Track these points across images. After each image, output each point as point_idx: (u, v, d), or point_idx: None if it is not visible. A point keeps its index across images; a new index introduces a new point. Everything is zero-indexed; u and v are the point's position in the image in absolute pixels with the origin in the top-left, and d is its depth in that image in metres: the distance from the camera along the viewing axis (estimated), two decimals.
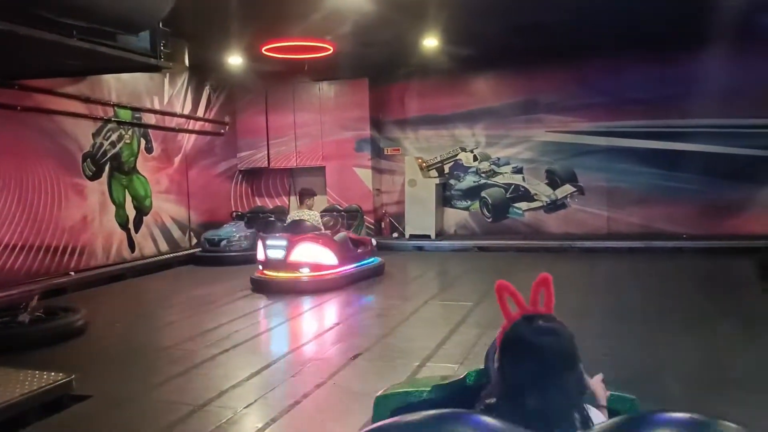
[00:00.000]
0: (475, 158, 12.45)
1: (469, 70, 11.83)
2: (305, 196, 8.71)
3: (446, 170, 12.68)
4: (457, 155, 12.56)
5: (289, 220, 8.67)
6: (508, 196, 12.23)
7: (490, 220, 12.38)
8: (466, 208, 12.58)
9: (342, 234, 8.66)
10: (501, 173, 12.29)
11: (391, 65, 11.97)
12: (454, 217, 12.62)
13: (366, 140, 12.72)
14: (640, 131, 11.13)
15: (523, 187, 12.13)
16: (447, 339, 5.67)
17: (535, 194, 12.06)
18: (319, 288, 7.89)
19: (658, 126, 11.00)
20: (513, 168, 12.19)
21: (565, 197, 11.80)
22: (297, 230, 8.27)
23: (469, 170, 12.50)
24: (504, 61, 11.44)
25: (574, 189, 11.72)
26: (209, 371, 4.98)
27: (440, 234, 12.25)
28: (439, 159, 12.67)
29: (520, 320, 1.58)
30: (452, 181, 12.65)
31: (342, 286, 8.07)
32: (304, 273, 8.03)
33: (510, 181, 12.23)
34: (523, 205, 12.15)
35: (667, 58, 10.68)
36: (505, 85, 12.06)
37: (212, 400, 4.28)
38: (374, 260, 9.05)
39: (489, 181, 12.35)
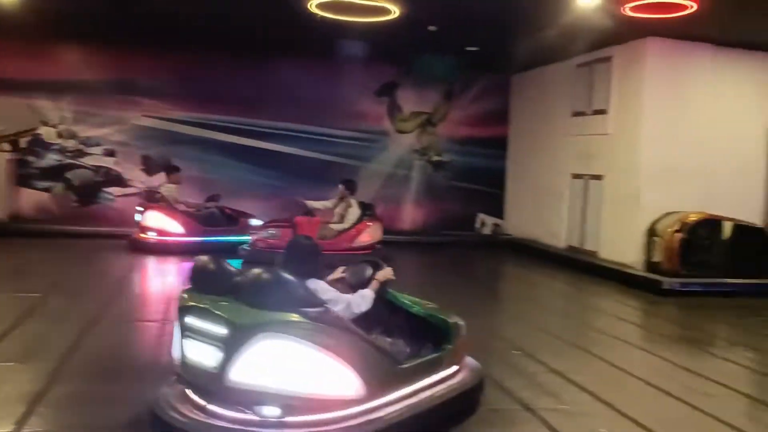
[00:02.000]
0: (59, 135, 11.18)
1: (55, 33, 10.50)
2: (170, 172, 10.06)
3: (22, 144, 11.04)
4: (36, 129, 11.06)
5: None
6: (97, 179, 11.37)
7: (76, 204, 11.29)
8: (47, 190, 11.20)
9: (211, 210, 9.85)
10: (90, 154, 11.35)
11: None
12: (33, 198, 11.10)
13: None
14: (233, 127, 11.76)
15: (115, 171, 11.46)
16: (5, 335, 4.96)
17: (129, 180, 11.53)
18: (165, 251, 9.09)
19: (248, 124, 11.81)
20: (104, 150, 11.40)
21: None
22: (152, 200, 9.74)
23: (52, 147, 11.17)
24: (99, 32, 10.54)
25: None
26: None
27: (15, 217, 10.63)
28: (12, 131, 10.93)
29: (296, 236, 3.68)
30: (30, 158, 11.10)
31: (187, 253, 8.34)
32: (151, 236, 9.31)
33: (100, 164, 11.41)
34: (116, 190, 11.48)
35: (259, 64, 11.57)
36: (98, 59, 11.07)
37: None
38: (243, 238, 9.28)
39: (76, 162, 11.26)
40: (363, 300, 3.37)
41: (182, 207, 9.69)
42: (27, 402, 3.65)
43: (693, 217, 8.43)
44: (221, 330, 2.78)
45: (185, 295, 3.07)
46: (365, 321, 3.35)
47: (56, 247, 9.52)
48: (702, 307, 7.61)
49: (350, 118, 12.26)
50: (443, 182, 12.74)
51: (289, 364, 2.75)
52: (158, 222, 9.37)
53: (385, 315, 3.63)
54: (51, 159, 11.18)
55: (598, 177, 10.07)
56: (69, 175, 11.27)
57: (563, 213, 10.89)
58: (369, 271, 3.66)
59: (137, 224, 9.54)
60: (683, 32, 8.64)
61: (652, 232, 8.66)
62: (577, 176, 10.64)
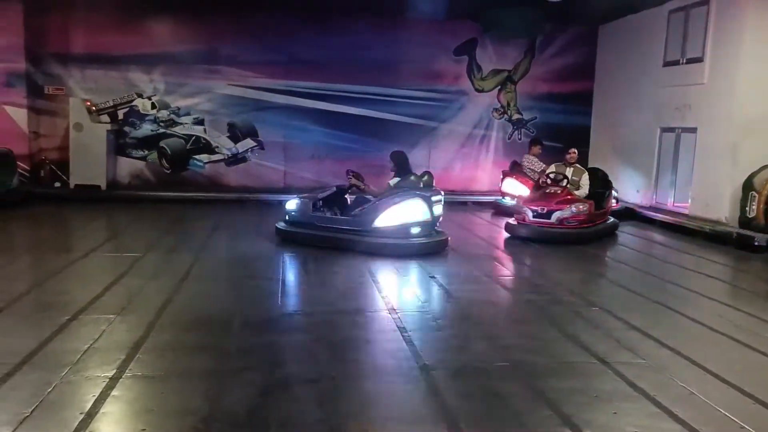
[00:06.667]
0: (153, 106, 11.80)
1: (144, 7, 11.12)
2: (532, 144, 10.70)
3: (120, 116, 11.76)
4: (132, 101, 11.72)
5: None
6: (188, 147, 11.96)
7: (169, 171, 11.96)
8: (143, 158, 11.92)
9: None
10: (181, 123, 11.92)
11: None
12: (130, 166, 11.85)
13: (20, 75, 10.98)
14: (312, 92, 11.96)
15: (204, 138, 12.00)
16: (107, 290, 5.39)
17: (217, 147, 12.05)
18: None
19: (327, 89, 11.96)
20: (194, 119, 11.94)
21: (246, 151, 12.06)
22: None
23: (147, 118, 11.82)
24: (183, 4, 11.03)
25: (255, 143, 12.05)
26: None
27: (113, 184, 11.42)
28: (111, 103, 11.65)
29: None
30: (127, 129, 11.81)
31: None
32: (508, 201, 10.38)
33: (191, 132, 11.96)
34: (205, 157, 12.04)
35: (336, 26, 11.66)
36: (184, 30, 11.61)
37: None
38: None
39: (168, 131, 11.89)
40: None
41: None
42: (127, 349, 3.98)
43: None
44: None
45: None
46: None
47: (151, 211, 10.15)
48: None
49: (427, 78, 12.15)
50: (524, 141, 12.43)
51: None
52: (513, 189, 10.19)
53: None
54: (146, 129, 11.84)
55: (691, 129, 9.48)
56: (162, 143, 11.90)
57: (652, 169, 10.37)
58: None
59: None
60: None
61: (748, 186, 8.09)
62: (667, 129, 10.06)
